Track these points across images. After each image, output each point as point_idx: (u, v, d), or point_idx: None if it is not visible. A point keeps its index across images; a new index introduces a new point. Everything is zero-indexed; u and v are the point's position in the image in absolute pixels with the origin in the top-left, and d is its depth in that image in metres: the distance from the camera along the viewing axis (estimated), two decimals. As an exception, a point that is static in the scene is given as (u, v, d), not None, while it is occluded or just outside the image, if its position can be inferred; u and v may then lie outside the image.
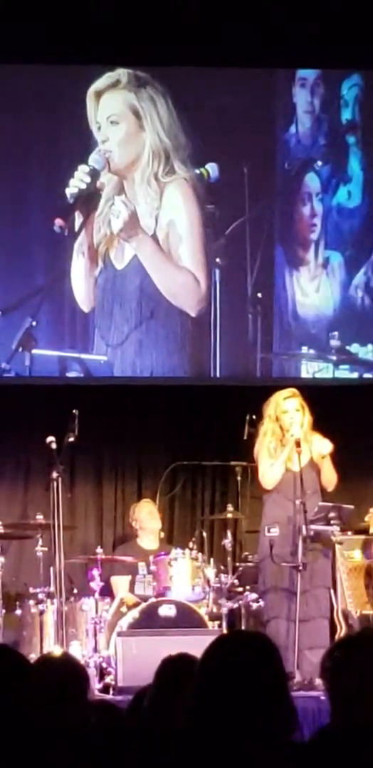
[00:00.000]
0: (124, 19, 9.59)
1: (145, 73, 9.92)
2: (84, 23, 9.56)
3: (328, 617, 8.46)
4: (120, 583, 9.05)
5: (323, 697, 6.34)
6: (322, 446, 8.54)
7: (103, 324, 9.92)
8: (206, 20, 9.66)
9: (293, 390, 8.62)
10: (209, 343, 10.00)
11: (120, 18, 9.59)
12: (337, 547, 8.70)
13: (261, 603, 8.55)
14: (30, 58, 9.75)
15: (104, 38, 9.64)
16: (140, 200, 9.92)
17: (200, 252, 9.97)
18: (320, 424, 8.73)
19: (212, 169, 9.99)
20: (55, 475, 8.52)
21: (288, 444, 8.43)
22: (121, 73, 9.90)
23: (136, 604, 8.58)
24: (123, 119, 9.95)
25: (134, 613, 8.44)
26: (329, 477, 8.60)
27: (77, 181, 9.79)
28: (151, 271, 9.89)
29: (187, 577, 8.71)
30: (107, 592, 8.91)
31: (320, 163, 10.26)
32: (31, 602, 8.48)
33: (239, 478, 9.49)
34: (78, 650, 8.23)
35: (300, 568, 8.20)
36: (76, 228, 9.82)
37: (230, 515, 9.32)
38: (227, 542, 8.97)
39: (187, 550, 8.83)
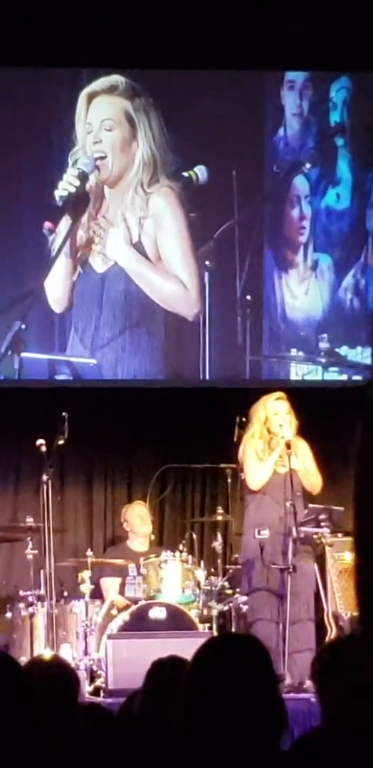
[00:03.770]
0: (114, 22, 9.59)
1: (135, 77, 9.90)
2: (74, 26, 9.56)
3: (313, 619, 8.45)
4: (110, 585, 9.05)
5: (313, 699, 6.35)
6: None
7: (85, 327, 9.89)
8: (194, 23, 9.66)
9: (283, 394, 8.63)
10: (199, 345, 9.99)
11: (110, 21, 9.59)
12: (327, 549, 8.69)
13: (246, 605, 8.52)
14: (20, 61, 9.75)
15: (95, 41, 9.64)
16: (125, 209, 9.90)
17: (189, 258, 9.96)
18: (310, 427, 8.73)
19: (200, 171, 9.99)
20: (45, 477, 8.51)
21: (279, 446, 8.43)
22: (119, 80, 9.89)
23: (126, 607, 8.57)
24: (118, 126, 9.92)
25: (125, 616, 8.43)
26: (315, 481, 8.61)
27: (66, 184, 9.78)
28: (139, 282, 9.87)
29: (177, 579, 8.71)
30: (97, 594, 8.91)
31: (308, 165, 10.26)
32: (22, 605, 8.47)
33: (229, 481, 9.47)
34: (68, 653, 8.22)
35: (290, 570, 8.19)
36: (64, 231, 9.80)
37: (219, 518, 9.32)
38: (217, 544, 8.98)
39: (177, 553, 8.83)
